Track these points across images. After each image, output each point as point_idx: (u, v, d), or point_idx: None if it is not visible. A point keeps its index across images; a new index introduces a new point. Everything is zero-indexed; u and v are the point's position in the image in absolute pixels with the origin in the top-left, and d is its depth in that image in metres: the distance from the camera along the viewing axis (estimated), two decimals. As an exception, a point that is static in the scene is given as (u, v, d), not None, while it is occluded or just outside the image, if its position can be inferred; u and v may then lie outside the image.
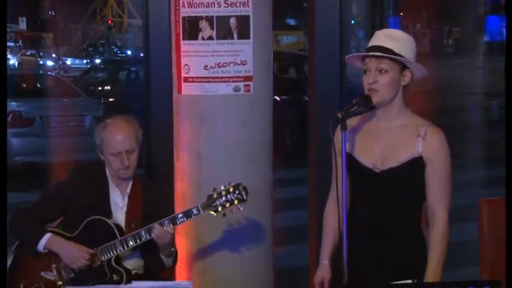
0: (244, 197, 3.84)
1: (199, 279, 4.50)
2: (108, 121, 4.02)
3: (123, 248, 3.86)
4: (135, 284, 3.50)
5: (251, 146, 4.57)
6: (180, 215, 3.84)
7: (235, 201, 3.82)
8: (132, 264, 3.98)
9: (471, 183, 9.52)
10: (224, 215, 3.86)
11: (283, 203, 7.27)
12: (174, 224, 3.83)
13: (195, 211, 3.83)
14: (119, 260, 3.90)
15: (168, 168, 4.67)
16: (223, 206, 3.82)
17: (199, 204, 3.84)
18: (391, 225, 3.38)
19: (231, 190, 3.83)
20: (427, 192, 3.37)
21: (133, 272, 3.94)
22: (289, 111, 12.13)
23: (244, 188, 3.85)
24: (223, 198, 3.82)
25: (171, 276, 4.30)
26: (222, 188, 3.84)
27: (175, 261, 4.04)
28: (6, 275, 3.70)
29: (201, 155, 4.56)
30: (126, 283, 3.80)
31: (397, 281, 3.14)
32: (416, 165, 3.35)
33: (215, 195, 3.83)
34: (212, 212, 3.83)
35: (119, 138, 3.92)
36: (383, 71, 3.31)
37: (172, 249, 3.96)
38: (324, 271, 3.51)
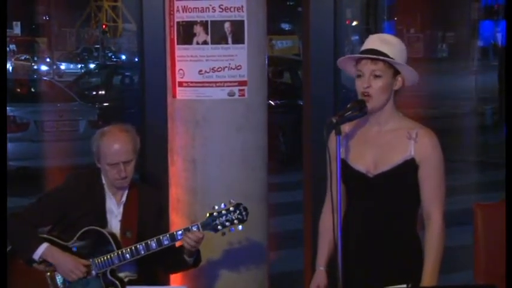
0: (245, 218, 3.80)
1: (194, 284, 4.50)
2: (106, 129, 3.98)
3: (120, 261, 3.84)
4: (130, 289, 3.50)
5: (246, 151, 4.57)
6: (180, 232, 3.80)
7: (235, 221, 3.80)
8: (126, 272, 3.97)
9: (465, 187, 9.53)
10: (223, 234, 3.83)
11: (277, 208, 7.28)
12: (174, 240, 3.81)
13: (194, 229, 3.81)
14: (113, 271, 3.88)
15: (163, 173, 4.67)
16: (223, 226, 3.79)
17: (199, 223, 3.81)
18: (386, 230, 3.38)
19: (231, 209, 3.79)
20: (421, 194, 3.37)
21: (126, 279, 3.92)
22: (283, 116, 12.13)
23: (245, 208, 3.81)
24: (224, 217, 3.79)
25: (165, 281, 4.29)
26: (223, 206, 3.81)
27: (198, 260, 3.98)
28: (6, 275, 3.68)
29: (196, 159, 4.56)
30: None
31: (396, 284, 3.14)
32: (409, 168, 3.35)
33: (215, 214, 3.80)
34: (212, 231, 3.80)
35: (116, 148, 3.89)
36: (377, 76, 3.32)
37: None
38: (320, 277, 3.51)
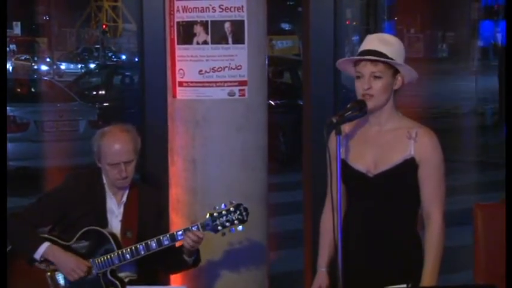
0: (245, 218, 3.80)
1: (194, 284, 4.50)
2: (106, 129, 3.98)
3: (120, 261, 3.84)
4: (130, 288, 3.50)
5: (246, 151, 4.57)
6: (180, 233, 3.81)
7: (236, 222, 3.79)
8: (126, 272, 3.97)
9: (465, 187, 9.53)
10: (223, 234, 3.83)
11: (277, 208, 7.28)
12: (174, 241, 3.81)
13: (194, 229, 3.81)
14: (113, 271, 3.88)
15: (163, 173, 4.67)
16: (223, 226, 3.79)
17: (199, 223, 3.81)
18: (387, 229, 3.38)
19: (231, 210, 3.79)
20: (421, 194, 3.37)
21: (126, 279, 3.93)
22: (283, 116, 12.13)
23: (245, 209, 3.80)
24: (224, 218, 3.79)
25: (165, 281, 4.29)
26: (223, 206, 3.81)
27: (197, 260, 3.98)
28: (6, 275, 3.68)
29: (196, 160, 4.56)
30: None
31: (396, 284, 3.14)
32: (409, 167, 3.35)
33: (215, 214, 3.80)
34: (212, 232, 3.80)
35: (117, 148, 3.89)
36: (377, 76, 3.31)
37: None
38: (321, 278, 3.51)
